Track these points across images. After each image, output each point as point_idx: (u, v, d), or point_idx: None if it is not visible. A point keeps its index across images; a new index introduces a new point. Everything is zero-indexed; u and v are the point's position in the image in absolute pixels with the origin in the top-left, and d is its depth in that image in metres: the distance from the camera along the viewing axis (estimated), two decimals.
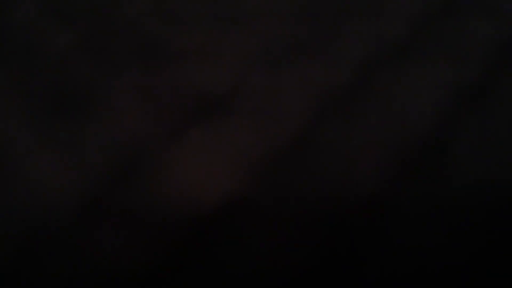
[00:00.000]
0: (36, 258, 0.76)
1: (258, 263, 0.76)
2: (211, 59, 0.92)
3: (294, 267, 0.76)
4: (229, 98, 0.89)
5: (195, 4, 0.98)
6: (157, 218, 0.79)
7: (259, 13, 0.97)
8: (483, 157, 0.84)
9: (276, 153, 0.84)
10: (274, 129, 0.86)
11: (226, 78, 0.91)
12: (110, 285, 0.74)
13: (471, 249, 0.77)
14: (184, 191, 0.81)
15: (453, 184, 0.81)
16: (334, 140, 0.85)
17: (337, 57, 0.93)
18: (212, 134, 0.85)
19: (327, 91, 0.90)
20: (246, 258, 0.76)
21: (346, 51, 0.93)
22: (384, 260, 0.76)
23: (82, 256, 0.76)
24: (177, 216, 0.79)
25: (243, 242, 0.77)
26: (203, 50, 0.93)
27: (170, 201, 0.80)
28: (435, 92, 0.90)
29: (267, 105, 0.88)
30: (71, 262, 0.76)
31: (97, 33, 0.95)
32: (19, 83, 0.90)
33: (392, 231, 0.78)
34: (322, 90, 0.90)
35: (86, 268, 0.75)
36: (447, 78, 0.91)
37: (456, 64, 0.92)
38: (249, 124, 0.86)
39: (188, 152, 0.84)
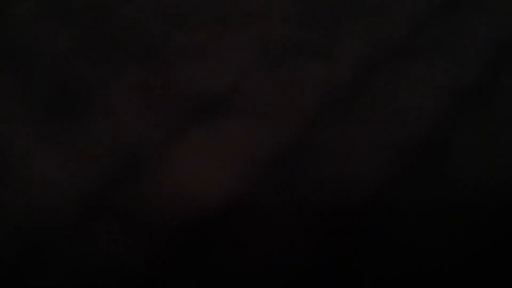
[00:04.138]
0: (37, 257, 0.76)
1: (258, 263, 0.76)
2: (211, 59, 0.92)
3: (294, 268, 0.76)
4: (229, 98, 0.89)
5: (195, 4, 0.98)
6: (157, 218, 0.79)
7: (259, 13, 0.97)
8: (483, 157, 0.84)
9: (276, 153, 0.84)
10: (274, 129, 0.86)
11: (226, 78, 0.91)
12: (110, 285, 0.74)
13: (471, 249, 0.77)
14: (184, 191, 0.81)
15: (452, 184, 0.82)
16: (334, 140, 0.85)
17: (337, 57, 0.93)
18: (212, 134, 0.85)
19: (327, 91, 0.90)
20: (245, 258, 0.76)
21: (346, 51, 0.93)
22: (384, 260, 0.76)
23: (82, 255, 0.76)
24: (177, 216, 0.79)
25: (243, 243, 0.77)
26: (203, 50, 0.93)
27: (170, 201, 0.80)
28: (435, 92, 0.90)
29: (267, 105, 0.88)
30: (71, 261, 0.76)
31: (97, 33, 0.95)
32: (19, 83, 0.90)
33: (392, 231, 0.78)
34: (322, 90, 0.90)
35: (86, 268, 0.75)
36: (447, 78, 0.91)
37: (456, 64, 0.92)
38: (249, 124, 0.86)
39: (188, 152, 0.84)
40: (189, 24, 0.96)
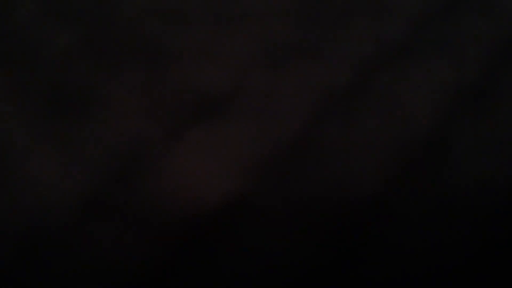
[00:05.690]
0: (36, 258, 0.76)
1: (258, 263, 0.76)
2: (211, 59, 0.92)
3: (294, 267, 0.76)
4: (229, 98, 0.89)
5: (195, 4, 0.98)
6: (157, 218, 0.79)
7: (259, 13, 0.97)
8: (483, 157, 0.84)
9: (276, 153, 0.84)
10: (274, 129, 0.86)
11: (226, 79, 0.91)
12: (110, 285, 0.74)
13: (471, 249, 0.77)
14: (184, 191, 0.81)
15: (453, 184, 0.81)
16: (334, 140, 0.85)
17: (337, 57, 0.93)
18: (212, 134, 0.85)
19: (327, 91, 0.90)
20: (245, 258, 0.76)
21: (346, 51, 0.93)
22: (384, 260, 0.76)
23: (82, 255, 0.76)
24: (177, 216, 0.79)
25: (243, 242, 0.77)
26: (203, 50, 0.93)
27: (170, 200, 0.80)
28: (435, 92, 0.90)
29: (267, 105, 0.88)
30: (71, 261, 0.76)
31: (97, 33, 0.94)
32: (19, 83, 0.90)
33: (392, 231, 0.78)
34: (322, 90, 0.90)
35: (86, 268, 0.75)
36: (447, 78, 0.91)
37: (456, 64, 0.92)
38: (249, 124, 0.86)
39: (188, 152, 0.84)
40: (189, 24, 0.96)
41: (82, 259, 0.76)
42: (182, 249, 0.77)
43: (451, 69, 0.92)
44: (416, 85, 0.90)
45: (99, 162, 0.83)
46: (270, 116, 0.87)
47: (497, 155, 0.84)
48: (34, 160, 0.83)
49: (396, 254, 0.76)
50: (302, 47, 0.94)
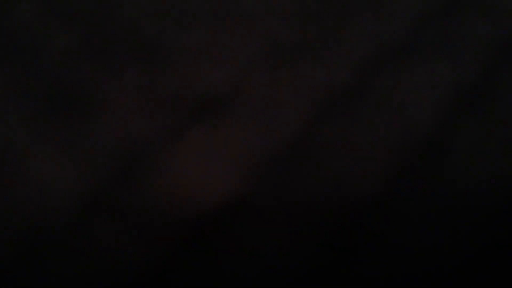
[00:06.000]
0: (36, 258, 0.76)
1: (258, 263, 0.76)
2: (211, 59, 0.92)
3: (294, 267, 0.76)
4: (229, 98, 0.89)
5: (195, 4, 0.98)
6: (157, 218, 0.79)
7: (259, 13, 0.97)
8: (483, 157, 0.84)
9: (276, 154, 0.84)
10: (274, 129, 0.86)
11: (226, 78, 0.91)
12: (110, 285, 0.74)
13: (471, 249, 0.77)
14: (184, 191, 0.81)
15: (453, 184, 0.81)
16: (334, 140, 0.85)
17: (337, 57, 0.93)
18: (212, 134, 0.85)
19: (327, 91, 0.90)
20: (245, 258, 0.76)
21: (346, 51, 0.93)
22: (384, 260, 0.76)
23: (82, 256, 0.76)
24: (177, 216, 0.79)
25: (243, 243, 0.77)
26: (203, 50, 0.93)
27: (170, 201, 0.80)
28: (435, 92, 0.90)
29: (267, 105, 0.88)
30: (71, 262, 0.76)
31: (97, 33, 0.94)
32: (19, 83, 0.90)
33: (391, 231, 0.78)
34: (322, 90, 0.90)
35: (86, 268, 0.75)
36: (447, 78, 0.91)
37: (456, 64, 0.92)
38: (249, 124, 0.86)
39: (188, 152, 0.84)
40: (189, 24, 0.96)
41: (82, 259, 0.76)
42: (182, 249, 0.77)
43: (451, 69, 0.92)
44: (416, 85, 0.90)
45: (99, 162, 0.83)
46: (270, 116, 0.87)
47: (497, 155, 0.84)
48: (34, 160, 0.83)
49: (396, 254, 0.76)
50: (302, 47, 0.94)
